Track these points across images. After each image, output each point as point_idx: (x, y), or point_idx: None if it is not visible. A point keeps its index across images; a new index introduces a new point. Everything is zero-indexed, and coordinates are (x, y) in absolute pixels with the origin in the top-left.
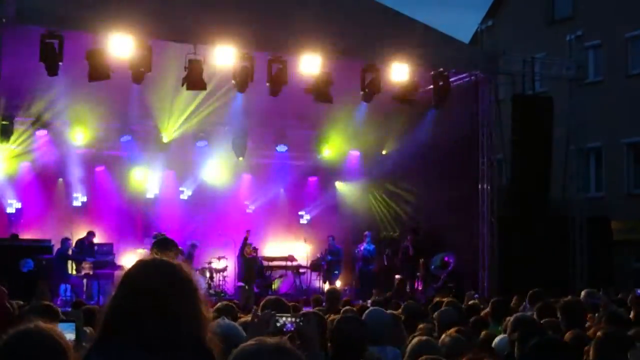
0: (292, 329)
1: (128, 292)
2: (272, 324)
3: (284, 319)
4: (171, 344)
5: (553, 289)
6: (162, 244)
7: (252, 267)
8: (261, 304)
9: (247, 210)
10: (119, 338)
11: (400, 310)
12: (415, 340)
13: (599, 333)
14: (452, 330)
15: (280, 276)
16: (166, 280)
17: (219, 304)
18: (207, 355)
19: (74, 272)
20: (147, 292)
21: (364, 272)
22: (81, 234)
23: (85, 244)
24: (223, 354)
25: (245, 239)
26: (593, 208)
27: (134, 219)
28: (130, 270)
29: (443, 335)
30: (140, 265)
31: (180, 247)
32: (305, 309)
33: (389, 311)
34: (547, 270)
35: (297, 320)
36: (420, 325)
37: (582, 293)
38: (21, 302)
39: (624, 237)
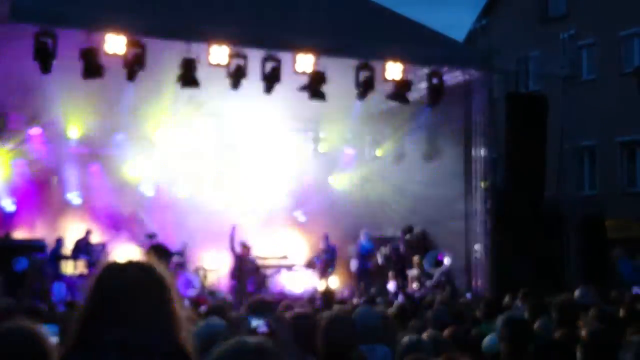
0: (265, 330)
1: (100, 296)
2: (245, 325)
3: (257, 321)
4: (145, 345)
5: (547, 287)
6: (155, 251)
7: (243, 264)
8: (246, 304)
9: (242, 208)
10: (93, 341)
11: (393, 309)
12: (407, 339)
13: (584, 332)
14: (447, 331)
15: (274, 274)
16: (137, 282)
17: (210, 303)
18: (182, 356)
19: (70, 271)
20: (118, 296)
21: (361, 270)
22: (75, 232)
23: (84, 244)
24: (208, 352)
25: (232, 236)
26: (587, 206)
27: (128, 218)
28: (100, 273)
29: (424, 334)
30: (110, 268)
31: (172, 253)
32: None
33: (379, 309)
34: (541, 269)
35: (270, 322)
36: (411, 323)
37: (576, 292)
38: (12, 301)
39: (618, 236)
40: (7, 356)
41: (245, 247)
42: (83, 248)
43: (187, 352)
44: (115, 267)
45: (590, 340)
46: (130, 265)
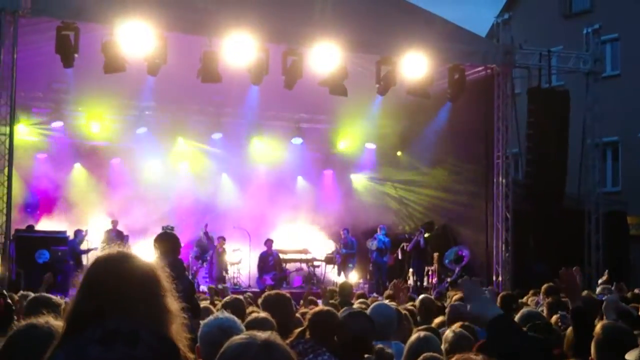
0: None
1: (87, 291)
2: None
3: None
4: (131, 339)
5: None
6: (163, 240)
7: (265, 257)
8: (260, 301)
9: (262, 203)
10: (80, 335)
11: (416, 305)
12: (415, 336)
13: (597, 328)
14: (456, 325)
15: (296, 270)
16: (124, 276)
17: (227, 297)
18: (170, 349)
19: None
20: (105, 290)
21: (378, 264)
22: (96, 225)
23: (112, 234)
24: (219, 346)
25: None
26: (609, 202)
27: (149, 212)
28: (89, 268)
29: (447, 331)
30: (98, 262)
31: (179, 243)
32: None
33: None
34: (562, 265)
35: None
36: (437, 320)
37: (598, 289)
38: (32, 294)
39: None
40: (32, 351)
41: (267, 240)
42: (113, 238)
43: (176, 346)
44: (103, 259)
45: (603, 336)
46: (118, 258)
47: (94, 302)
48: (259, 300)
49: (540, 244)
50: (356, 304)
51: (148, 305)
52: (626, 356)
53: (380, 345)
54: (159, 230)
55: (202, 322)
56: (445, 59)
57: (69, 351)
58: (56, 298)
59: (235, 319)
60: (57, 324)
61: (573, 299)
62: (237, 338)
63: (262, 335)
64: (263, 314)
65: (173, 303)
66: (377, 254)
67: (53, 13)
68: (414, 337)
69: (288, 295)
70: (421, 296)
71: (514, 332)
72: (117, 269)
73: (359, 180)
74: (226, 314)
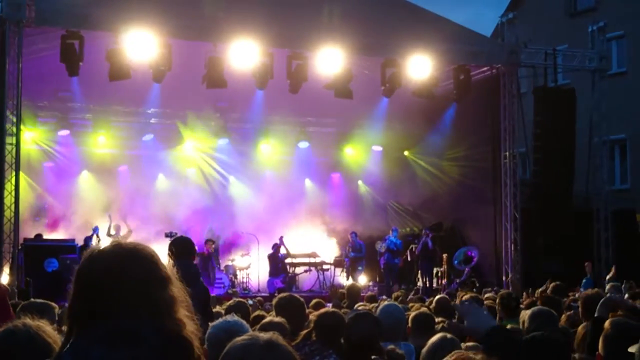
0: None
1: (81, 291)
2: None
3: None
4: (133, 338)
5: (577, 282)
6: (179, 244)
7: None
8: (274, 303)
9: (270, 207)
10: (83, 336)
11: (431, 305)
12: (437, 336)
13: (606, 324)
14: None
15: (305, 271)
16: (117, 271)
17: (230, 301)
18: (173, 345)
19: None
20: (99, 289)
21: (390, 265)
22: (104, 233)
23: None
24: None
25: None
26: (618, 200)
27: (157, 218)
28: (80, 266)
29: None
30: (88, 260)
31: (194, 247)
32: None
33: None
34: (571, 264)
35: None
36: (438, 320)
37: (607, 286)
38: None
39: None
40: (11, 354)
41: (275, 244)
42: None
43: (180, 339)
44: (94, 254)
45: (612, 331)
46: (111, 249)
47: (89, 302)
48: (273, 301)
49: (549, 243)
50: (361, 306)
51: (148, 296)
52: (629, 349)
53: (391, 346)
54: (167, 237)
55: (209, 325)
56: (451, 60)
57: (73, 353)
58: (47, 302)
59: (244, 322)
60: (35, 324)
61: None
62: (239, 339)
63: (264, 335)
64: (278, 319)
65: (175, 288)
66: (389, 255)
67: (57, 22)
68: (436, 337)
69: (301, 298)
70: (437, 296)
71: (510, 343)
72: (109, 263)
73: (366, 185)
74: (235, 317)
